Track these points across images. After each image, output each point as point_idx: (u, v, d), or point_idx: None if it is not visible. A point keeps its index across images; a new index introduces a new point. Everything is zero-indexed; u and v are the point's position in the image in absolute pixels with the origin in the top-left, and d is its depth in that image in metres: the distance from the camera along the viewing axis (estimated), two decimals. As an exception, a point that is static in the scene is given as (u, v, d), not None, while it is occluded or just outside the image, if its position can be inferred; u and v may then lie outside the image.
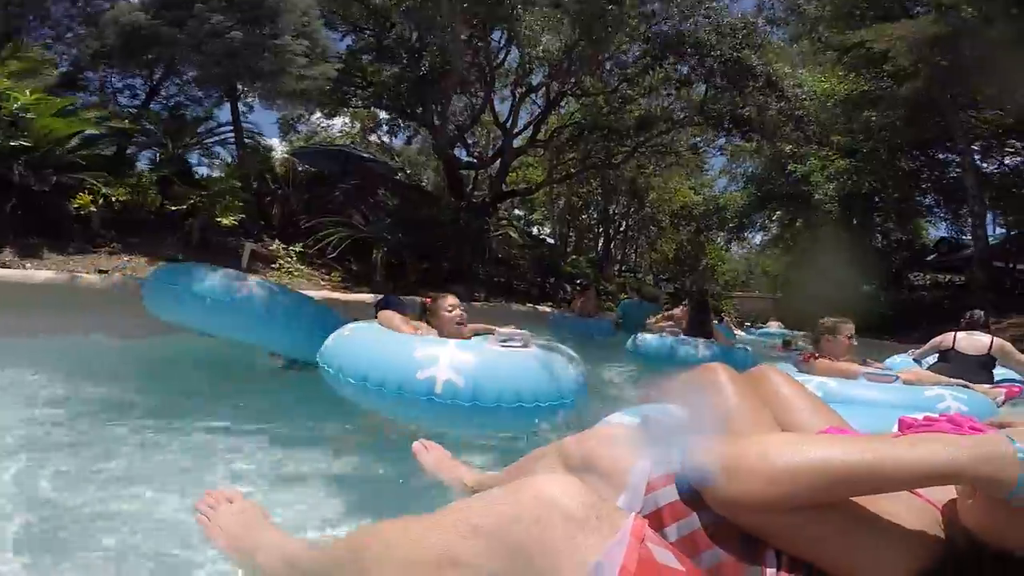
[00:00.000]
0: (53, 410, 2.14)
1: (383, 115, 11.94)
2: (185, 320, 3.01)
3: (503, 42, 11.30)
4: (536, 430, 2.00)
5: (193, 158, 8.89)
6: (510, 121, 12.16)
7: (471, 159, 13.95)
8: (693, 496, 0.84)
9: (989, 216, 14.08)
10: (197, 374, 3.16)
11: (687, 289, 21.33)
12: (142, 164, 6.64)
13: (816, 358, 3.06)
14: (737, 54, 9.69)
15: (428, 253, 8.32)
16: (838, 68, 14.03)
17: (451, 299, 2.70)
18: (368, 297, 5.50)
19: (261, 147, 7.87)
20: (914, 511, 0.77)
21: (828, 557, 0.75)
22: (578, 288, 11.37)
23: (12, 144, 4.33)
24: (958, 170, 14.93)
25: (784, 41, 14.96)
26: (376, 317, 3.67)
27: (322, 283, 6.21)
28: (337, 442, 2.08)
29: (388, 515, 0.86)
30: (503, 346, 2.10)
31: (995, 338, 3.90)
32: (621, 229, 24.20)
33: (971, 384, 2.99)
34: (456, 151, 12.84)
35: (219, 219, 5.30)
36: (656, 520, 0.85)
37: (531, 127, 12.91)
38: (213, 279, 2.92)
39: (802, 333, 10.99)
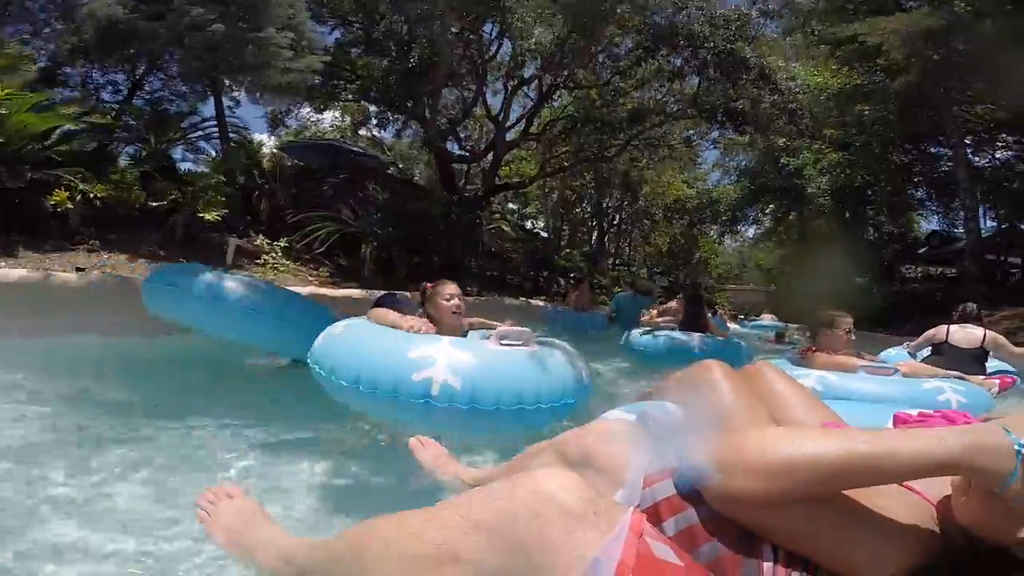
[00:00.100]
0: (39, 408, 2.10)
1: (372, 108, 11.76)
2: (184, 320, 3.02)
3: (495, 35, 11.19)
4: (535, 432, 1.88)
5: (178, 153, 8.74)
6: (502, 114, 12.05)
7: (463, 153, 13.82)
8: (690, 490, 0.84)
9: (980, 209, 14.11)
10: (181, 373, 3.09)
11: (681, 283, 21.36)
12: (124, 160, 6.50)
13: (814, 351, 3.03)
14: (730, 46, 9.62)
15: (419, 247, 8.23)
16: (831, 62, 14.00)
17: (451, 287, 2.57)
18: (357, 293, 5.42)
19: (247, 142, 7.72)
20: (910, 507, 0.77)
21: (824, 551, 0.75)
22: (571, 282, 11.31)
23: (-16, 140, 4.21)
24: (950, 164, 14.99)
25: (777, 34, 14.90)
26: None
27: (310, 279, 6.11)
28: (334, 441, 2.04)
29: (385, 512, 0.84)
30: (503, 345, 2.01)
31: (988, 331, 3.91)
32: (615, 223, 24.16)
33: (966, 376, 2.97)
34: (448, 145, 12.72)
35: (201, 215, 5.17)
36: (654, 514, 0.84)
37: (524, 120, 12.80)
38: (211, 279, 2.94)
39: (796, 326, 11.00)
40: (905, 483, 0.80)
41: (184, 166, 7.78)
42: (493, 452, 1.95)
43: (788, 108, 10.95)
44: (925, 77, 11.30)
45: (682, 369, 1.37)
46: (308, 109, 14.25)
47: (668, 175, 21.35)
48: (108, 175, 5.63)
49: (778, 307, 15.73)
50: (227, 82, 7.13)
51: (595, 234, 22.94)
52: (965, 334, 3.88)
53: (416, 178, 19.64)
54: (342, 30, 10.76)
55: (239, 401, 2.52)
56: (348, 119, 18.72)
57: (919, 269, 17.81)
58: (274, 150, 11.14)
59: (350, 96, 11.29)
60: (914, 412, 1.18)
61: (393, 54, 9.76)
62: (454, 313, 2.52)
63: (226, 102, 8.87)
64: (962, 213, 13.20)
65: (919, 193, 17.24)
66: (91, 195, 4.67)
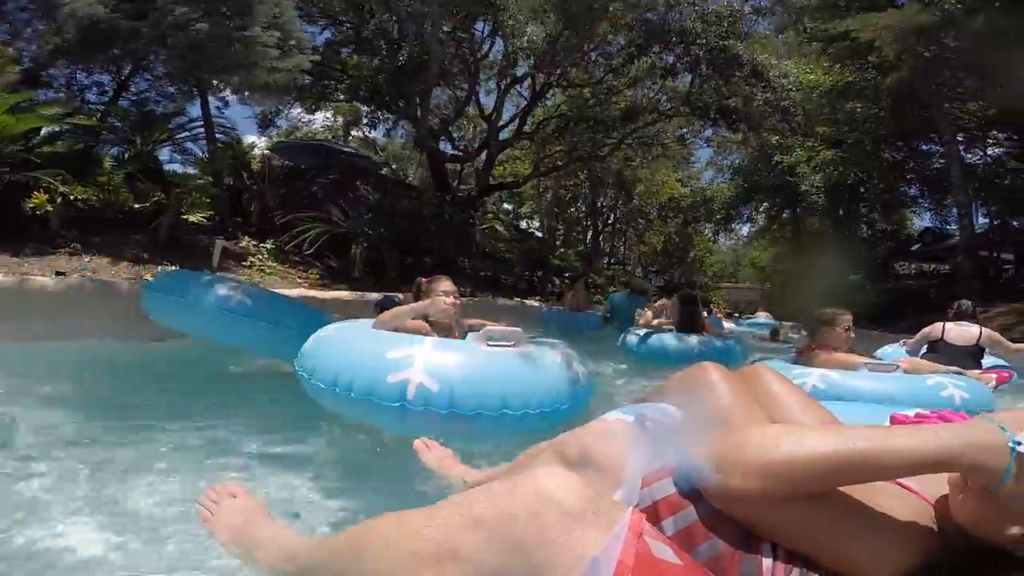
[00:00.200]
0: (18, 411, 2.04)
1: (363, 108, 11.66)
2: (185, 326, 3.04)
3: (486, 33, 11.12)
4: (534, 437, 1.80)
5: (165, 155, 8.64)
6: (495, 113, 11.99)
7: (456, 152, 13.75)
8: (689, 489, 0.84)
9: (972, 206, 14.15)
10: (165, 377, 3.01)
11: (676, 281, 21.37)
12: (109, 162, 6.38)
13: (814, 349, 2.99)
14: (723, 43, 9.59)
15: (410, 248, 8.14)
16: (823, 59, 14.03)
17: (446, 283, 2.45)
18: (347, 294, 5.33)
19: (234, 142, 7.61)
20: (908, 506, 0.77)
21: (822, 549, 0.75)
22: (566, 282, 11.25)
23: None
24: (941, 161, 15.05)
25: (769, 31, 14.92)
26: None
27: (298, 281, 6.01)
28: (335, 441, 1.99)
29: (385, 511, 0.84)
30: (489, 345, 1.90)
31: (984, 328, 3.90)
32: (609, 222, 24.15)
33: (964, 371, 3.00)
34: (441, 145, 12.65)
35: (186, 216, 5.08)
36: (653, 514, 0.84)
37: (517, 119, 12.75)
38: (211, 287, 2.97)
39: (790, 324, 11.00)
40: (903, 482, 0.81)
41: (173, 167, 7.70)
42: (499, 455, 1.83)
43: (781, 105, 10.94)
44: (917, 74, 11.33)
45: (679, 371, 1.37)
46: (299, 110, 14.17)
47: (662, 174, 21.37)
48: (94, 177, 5.56)
49: (773, 305, 15.77)
50: (215, 82, 7.03)
51: (590, 233, 22.91)
52: (961, 331, 3.86)
53: (410, 179, 19.56)
54: (332, 30, 10.68)
55: (231, 402, 2.47)
56: (340, 119, 18.61)
57: (912, 266, 17.87)
58: (265, 151, 11.03)
59: (341, 96, 11.21)
60: (911, 413, 1.19)
61: (384, 53, 9.68)
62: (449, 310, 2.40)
63: (214, 103, 8.78)
64: (955, 210, 13.23)
65: (912, 190, 17.31)
66: (71, 197, 4.55)
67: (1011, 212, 14.42)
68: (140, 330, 3.57)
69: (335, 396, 1.78)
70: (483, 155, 12.73)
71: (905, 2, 11.68)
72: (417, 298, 2.47)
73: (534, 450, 1.26)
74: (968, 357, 3.73)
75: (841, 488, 0.75)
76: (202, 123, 6.97)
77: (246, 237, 5.79)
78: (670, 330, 4.73)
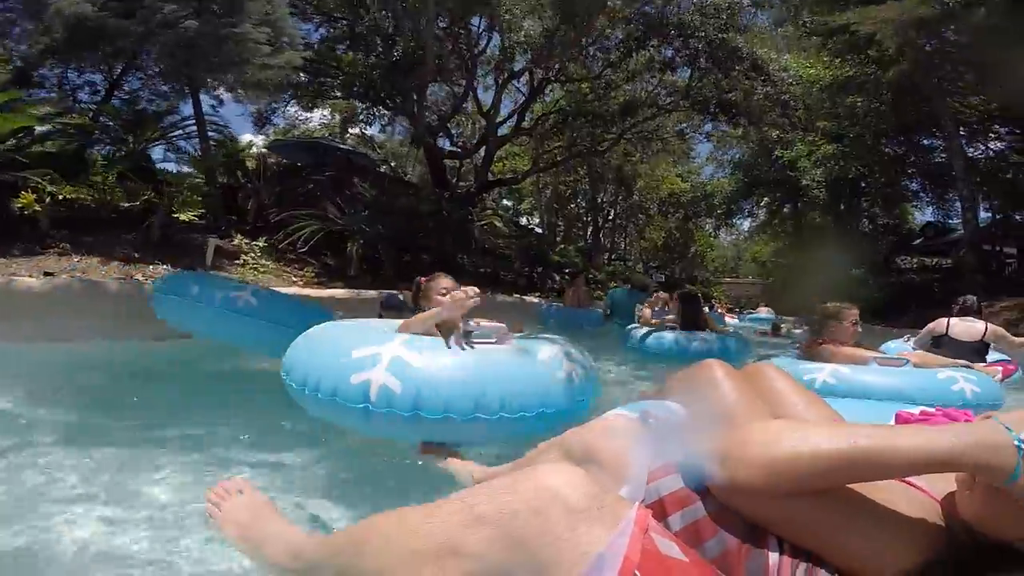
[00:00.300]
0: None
1: (358, 105, 11.58)
2: (193, 327, 3.04)
3: (483, 29, 11.03)
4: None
5: (159, 153, 8.56)
6: (493, 109, 11.90)
7: (454, 149, 13.67)
8: (696, 484, 0.84)
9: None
10: (153, 377, 2.96)
11: (677, 277, 21.30)
12: (100, 161, 6.31)
13: (821, 344, 2.94)
14: (722, 35, 9.50)
15: (408, 245, 8.07)
16: (823, 53, 13.91)
17: (446, 280, 2.31)
18: (341, 292, 5.27)
19: (227, 140, 7.53)
20: (914, 504, 0.77)
21: (828, 545, 0.75)
22: (567, 278, 11.19)
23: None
24: (943, 155, 14.96)
25: (768, 25, 14.82)
26: (380, 316, 3.48)
27: (294, 279, 5.94)
28: (338, 437, 1.92)
29: (388, 508, 0.84)
30: (466, 343, 1.78)
31: (989, 324, 3.85)
32: (610, 218, 24.07)
33: (972, 365, 2.93)
34: (440, 142, 12.58)
35: (176, 215, 5.01)
36: (659, 509, 0.84)
37: (515, 115, 12.67)
38: (218, 288, 2.98)
39: (792, 319, 10.95)
40: (909, 480, 0.81)
41: (167, 166, 7.63)
42: (506, 457, 1.79)
43: (781, 99, 10.85)
44: (918, 67, 11.23)
45: (683, 368, 1.38)
46: (296, 108, 14.09)
47: (662, 169, 21.29)
48: (87, 177, 5.51)
49: (774, 300, 15.71)
50: (209, 80, 6.96)
51: (590, 229, 22.84)
52: (966, 327, 3.83)
53: (408, 176, 19.47)
54: (327, 27, 10.60)
55: (225, 402, 2.43)
56: (337, 117, 18.52)
57: (914, 260, 17.79)
58: (262, 149, 10.95)
59: (338, 94, 11.13)
60: (916, 411, 1.21)
61: (380, 49, 9.60)
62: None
63: (209, 101, 8.71)
64: (959, 204, 13.15)
65: (913, 185, 17.22)
66: (60, 196, 4.48)
67: (1013, 206, 14.33)
68: (129, 330, 3.52)
69: (304, 397, 1.70)
70: (482, 151, 12.65)
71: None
72: (416, 298, 2.36)
73: (540, 448, 1.25)
74: (973, 353, 3.65)
75: (847, 484, 0.75)
76: (194, 121, 6.90)
77: (238, 235, 5.71)
78: (674, 328, 4.67)
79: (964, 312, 3.96)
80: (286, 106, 12.36)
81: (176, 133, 6.86)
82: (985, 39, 9.38)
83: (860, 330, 2.99)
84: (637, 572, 0.65)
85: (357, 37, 9.65)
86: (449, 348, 1.70)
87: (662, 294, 6.12)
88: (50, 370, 2.84)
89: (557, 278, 11.83)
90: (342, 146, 13.20)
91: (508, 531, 0.69)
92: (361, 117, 11.62)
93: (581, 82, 12.11)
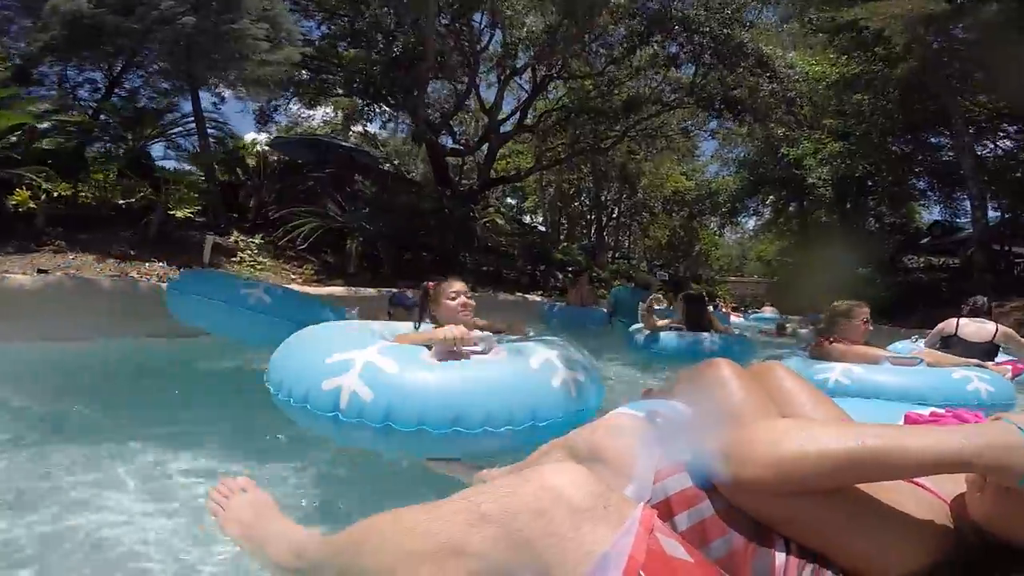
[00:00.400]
0: None
1: (359, 101, 11.52)
2: (207, 324, 3.07)
3: (485, 25, 10.95)
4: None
5: (159, 151, 8.53)
6: (495, 106, 11.83)
7: (457, 146, 13.61)
8: (703, 483, 0.83)
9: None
10: (147, 376, 2.92)
11: (681, 275, 21.19)
12: (96, 158, 6.28)
13: (831, 342, 2.90)
14: (726, 30, 9.37)
15: (409, 243, 8.01)
16: (829, 51, 13.76)
17: (456, 285, 2.22)
18: (340, 290, 5.21)
19: (227, 137, 7.49)
20: (923, 504, 0.77)
21: (835, 545, 0.74)
22: (570, 276, 11.10)
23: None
24: (951, 154, 14.81)
25: (774, 21, 14.68)
26: (389, 315, 3.46)
27: (292, 277, 5.89)
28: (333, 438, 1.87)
29: (390, 507, 0.83)
30: (451, 351, 1.65)
31: (1000, 326, 3.78)
32: (614, 216, 23.96)
33: (984, 364, 2.94)
34: (442, 139, 12.51)
35: (173, 212, 4.96)
36: (665, 509, 0.83)
37: (518, 112, 12.58)
38: (233, 285, 3.04)
39: (797, 318, 10.85)
40: (918, 480, 0.81)
41: (168, 164, 7.59)
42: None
43: (787, 97, 10.73)
44: (926, 64, 11.08)
45: (690, 367, 1.37)
46: (298, 106, 14.06)
47: (666, 167, 21.16)
48: (88, 174, 5.49)
49: (779, 299, 15.60)
50: (210, 78, 6.92)
51: (594, 228, 22.73)
52: (976, 328, 3.76)
53: (412, 174, 19.43)
54: (328, 24, 10.55)
55: (228, 401, 2.40)
56: (340, 114, 18.48)
57: (921, 259, 17.62)
58: (264, 146, 10.92)
59: (340, 91, 11.08)
60: (926, 412, 1.20)
61: (380, 46, 9.54)
62: (461, 314, 2.17)
63: (210, 98, 8.68)
64: (968, 203, 13.01)
65: (920, 183, 17.05)
66: (55, 194, 4.45)
67: (1022, 205, 14.15)
68: (123, 328, 3.48)
69: (278, 401, 1.63)
70: (484, 149, 12.59)
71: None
72: (424, 304, 2.28)
73: (544, 448, 1.24)
74: (982, 355, 3.58)
75: (854, 484, 0.75)
76: (195, 119, 6.85)
77: (235, 232, 5.66)
78: (679, 329, 4.59)
79: (974, 313, 3.89)
80: (288, 103, 12.32)
81: (176, 130, 6.83)
82: (995, 36, 9.24)
83: (871, 328, 2.95)
84: (642, 572, 0.65)
85: (357, 33, 9.58)
86: (430, 356, 1.60)
87: (658, 296, 6.05)
88: (39, 368, 2.81)
89: (560, 276, 11.75)
90: (344, 143, 13.15)
91: (512, 531, 0.68)
92: (361, 114, 11.50)
93: (584, 79, 12.01)
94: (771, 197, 19.84)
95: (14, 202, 4.23)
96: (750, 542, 0.76)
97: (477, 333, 1.79)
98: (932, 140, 15.69)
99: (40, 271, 3.77)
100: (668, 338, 4.50)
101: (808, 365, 2.73)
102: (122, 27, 5.17)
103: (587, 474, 0.74)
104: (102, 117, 6.48)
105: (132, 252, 4.67)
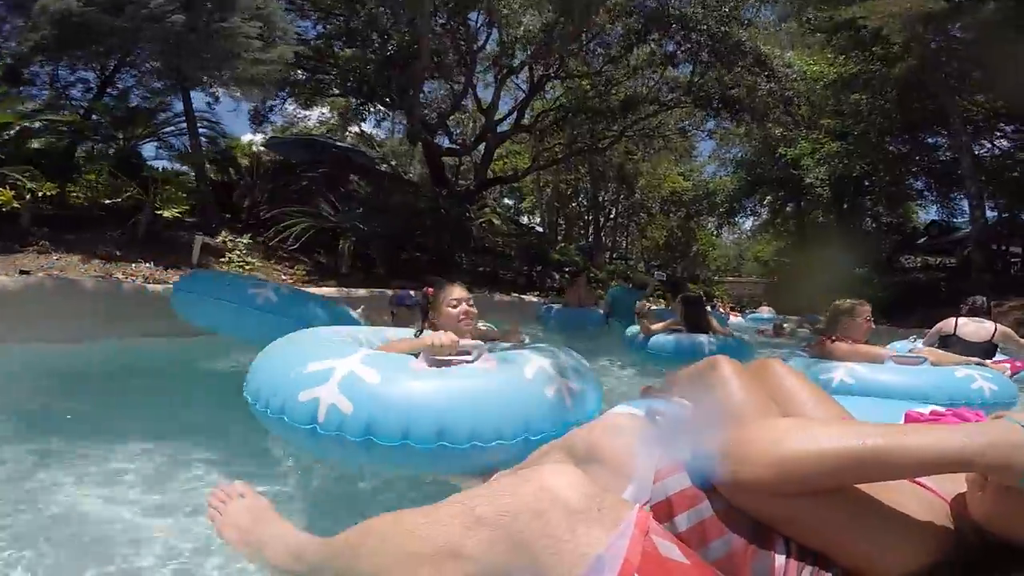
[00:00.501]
0: None
1: (353, 101, 11.44)
2: (213, 324, 3.06)
3: (481, 24, 10.90)
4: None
5: (151, 151, 8.45)
6: (492, 106, 11.77)
7: (453, 146, 13.55)
8: (703, 483, 0.82)
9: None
10: (131, 378, 2.86)
11: (679, 276, 21.15)
12: (84, 157, 6.22)
13: (833, 341, 2.89)
14: (724, 28, 9.33)
15: (405, 243, 7.94)
16: (827, 51, 13.75)
17: (457, 291, 2.12)
18: (332, 291, 5.14)
19: (220, 137, 7.43)
20: (923, 504, 0.77)
21: (836, 545, 0.74)
22: (566, 277, 11.04)
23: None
24: (948, 153, 14.82)
25: (772, 20, 14.64)
26: (392, 314, 3.40)
27: (283, 277, 5.82)
28: None
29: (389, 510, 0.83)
30: (439, 360, 1.56)
31: (998, 325, 3.82)
32: (611, 216, 23.92)
33: (984, 362, 2.98)
34: (439, 139, 12.44)
35: (160, 211, 4.89)
36: (666, 508, 0.83)
37: (515, 112, 12.53)
38: (239, 284, 3.07)
39: (795, 318, 10.82)
40: (918, 480, 0.81)
41: (160, 164, 7.52)
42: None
43: (785, 96, 10.69)
44: (924, 63, 11.07)
45: (690, 365, 1.36)
46: (294, 106, 13.98)
47: (664, 167, 21.14)
48: (81, 174, 5.43)
49: (776, 299, 15.57)
50: (202, 76, 6.85)
51: (591, 228, 22.69)
52: (975, 328, 3.78)
53: (410, 175, 19.38)
54: (324, 24, 10.48)
55: (221, 402, 2.29)
56: (336, 115, 18.42)
57: (918, 259, 17.64)
58: (260, 147, 10.85)
59: (336, 91, 11.00)
60: (926, 410, 1.20)
61: (376, 45, 9.48)
62: (462, 323, 2.08)
63: (204, 98, 8.62)
64: (967, 202, 13.01)
65: (918, 183, 17.06)
66: (40, 193, 4.37)
67: (1019, 205, 14.17)
68: (106, 329, 3.41)
69: (255, 412, 1.54)
70: (481, 149, 12.53)
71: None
72: (425, 311, 2.19)
73: (542, 449, 1.23)
74: (981, 354, 3.62)
75: (855, 484, 0.74)
76: (186, 119, 6.78)
77: (223, 231, 5.59)
78: (679, 331, 4.55)
79: (973, 312, 3.92)
80: (283, 103, 12.24)
81: (168, 130, 6.76)
82: (993, 34, 9.22)
83: (873, 326, 2.96)
84: (636, 575, 0.64)
85: (353, 32, 9.52)
86: (416, 365, 1.51)
87: (642, 304, 6.04)
88: (17, 370, 2.74)
89: (557, 277, 11.68)
90: (340, 143, 13.09)
91: (508, 533, 0.68)
92: (356, 113, 11.42)
93: (581, 79, 11.96)
94: (768, 197, 19.84)
95: (-1, 202, 4.16)
96: (749, 544, 0.76)
97: (467, 342, 1.69)
98: (929, 140, 15.73)
99: (22, 272, 3.70)
100: (666, 339, 4.46)
101: (811, 365, 2.72)
102: (112, 26, 5.11)
103: (582, 476, 0.74)
104: (94, 117, 6.40)
105: (118, 253, 4.59)
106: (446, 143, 13.47)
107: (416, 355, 1.61)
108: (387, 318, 3.44)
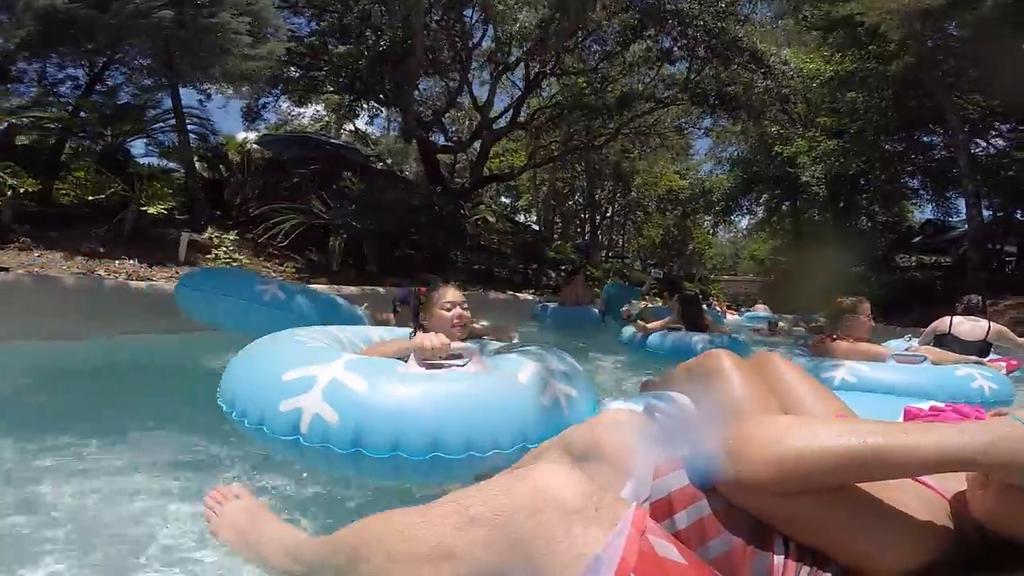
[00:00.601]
0: None
1: (346, 97, 11.34)
2: (218, 321, 3.07)
3: (476, 21, 10.83)
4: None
5: (140, 148, 8.37)
6: (487, 103, 11.71)
7: (448, 143, 13.47)
8: (701, 481, 0.82)
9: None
10: (112, 377, 2.76)
11: (675, 274, 21.15)
12: (69, 155, 6.13)
13: (834, 339, 2.92)
14: (720, 24, 9.29)
15: (398, 240, 7.86)
16: (823, 48, 13.73)
17: (451, 293, 2.01)
18: (323, 288, 5.06)
19: (210, 134, 7.36)
20: (924, 501, 0.76)
21: (836, 543, 0.73)
22: (562, 275, 10.99)
23: None
24: (944, 152, 14.85)
25: (768, 17, 14.62)
26: (396, 312, 3.36)
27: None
28: None
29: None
30: (425, 365, 1.47)
31: (992, 324, 3.83)
32: (607, 215, 23.90)
33: (982, 361, 3.02)
34: (434, 137, 12.36)
35: (144, 207, 4.81)
36: (666, 506, 0.82)
37: (511, 109, 12.47)
38: (245, 282, 3.08)
39: (790, 316, 10.82)
40: (920, 477, 0.80)
41: (151, 161, 7.44)
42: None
43: (781, 94, 10.66)
44: (921, 61, 11.06)
45: (690, 359, 1.35)
46: (287, 104, 13.86)
47: (660, 166, 21.13)
48: (71, 171, 5.35)
49: (771, 298, 15.59)
50: (191, 72, 6.76)
51: (588, 227, 22.66)
52: (971, 326, 3.79)
53: (406, 173, 19.30)
54: (317, 20, 10.40)
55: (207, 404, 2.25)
56: (330, 113, 18.32)
57: (913, 258, 17.69)
58: (252, 144, 10.75)
59: (330, 88, 10.91)
60: (925, 406, 1.17)
61: (370, 41, 9.40)
62: (455, 327, 1.97)
63: (196, 95, 8.52)
64: (960, 202, 13.04)
65: (913, 182, 17.09)
66: (22, 190, 4.29)
67: (1014, 204, 14.22)
68: (86, 328, 3.33)
69: (232, 420, 1.45)
70: (477, 146, 12.46)
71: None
72: (416, 311, 2.09)
73: (539, 448, 1.20)
74: (976, 352, 3.63)
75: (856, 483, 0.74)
76: (185, 115, 6.70)
77: (209, 229, 5.51)
78: (677, 329, 4.51)
79: (969, 311, 3.93)
80: (277, 101, 12.14)
81: (158, 126, 6.67)
82: (990, 32, 9.20)
83: (873, 323, 2.96)
84: (633, 575, 0.63)
85: (347, 28, 9.44)
86: (405, 370, 1.43)
87: (626, 310, 6.03)
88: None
89: (553, 275, 11.63)
90: (333, 140, 12.99)
91: (503, 533, 0.68)
92: (350, 109, 11.33)
93: (578, 76, 11.91)
94: (764, 196, 19.85)
95: (-24, 198, 4.07)
96: (748, 543, 0.75)
97: (459, 344, 1.61)
98: (925, 139, 15.76)
99: (0, 268, 3.61)
100: (662, 338, 4.42)
101: (813, 363, 2.72)
102: (98, 22, 5.03)
103: (579, 475, 0.73)
104: (82, 114, 6.32)
105: (102, 250, 4.51)
106: (441, 140, 13.40)
107: (402, 359, 1.53)
108: (389, 316, 3.39)
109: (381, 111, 12.29)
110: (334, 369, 1.35)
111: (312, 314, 2.90)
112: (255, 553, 1.04)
